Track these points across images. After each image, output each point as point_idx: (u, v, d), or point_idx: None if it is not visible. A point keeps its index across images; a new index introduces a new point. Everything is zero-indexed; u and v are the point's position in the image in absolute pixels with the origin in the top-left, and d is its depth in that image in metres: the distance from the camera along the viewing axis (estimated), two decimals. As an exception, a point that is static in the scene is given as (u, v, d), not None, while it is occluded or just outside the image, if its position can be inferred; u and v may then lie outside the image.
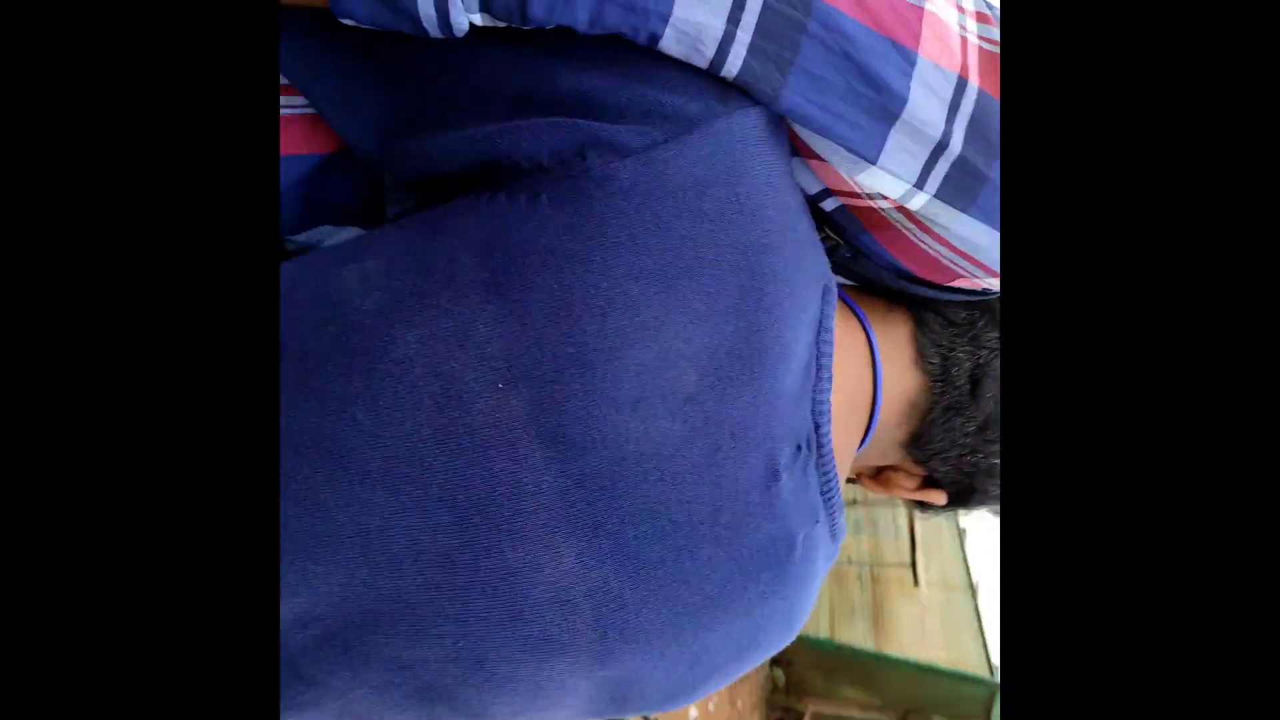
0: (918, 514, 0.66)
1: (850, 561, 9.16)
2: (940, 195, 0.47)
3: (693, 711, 5.13)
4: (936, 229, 0.49)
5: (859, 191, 0.48)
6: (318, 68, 0.46)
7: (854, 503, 9.02)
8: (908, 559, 8.47)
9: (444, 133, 0.43)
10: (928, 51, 0.44)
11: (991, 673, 7.90)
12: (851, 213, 0.51)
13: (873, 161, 0.45)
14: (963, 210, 0.47)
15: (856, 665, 7.51)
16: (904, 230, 0.50)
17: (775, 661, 7.37)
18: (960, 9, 0.48)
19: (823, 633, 8.49)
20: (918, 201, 0.47)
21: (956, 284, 0.54)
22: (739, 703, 6.55)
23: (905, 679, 7.33)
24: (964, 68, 0.46)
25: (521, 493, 0.41)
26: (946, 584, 8.86)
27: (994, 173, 0.47)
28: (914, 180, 0.46)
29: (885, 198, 0.48)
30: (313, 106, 0.49)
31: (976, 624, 8.56)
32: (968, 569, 9.00)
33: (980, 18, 0.49)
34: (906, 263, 0.53)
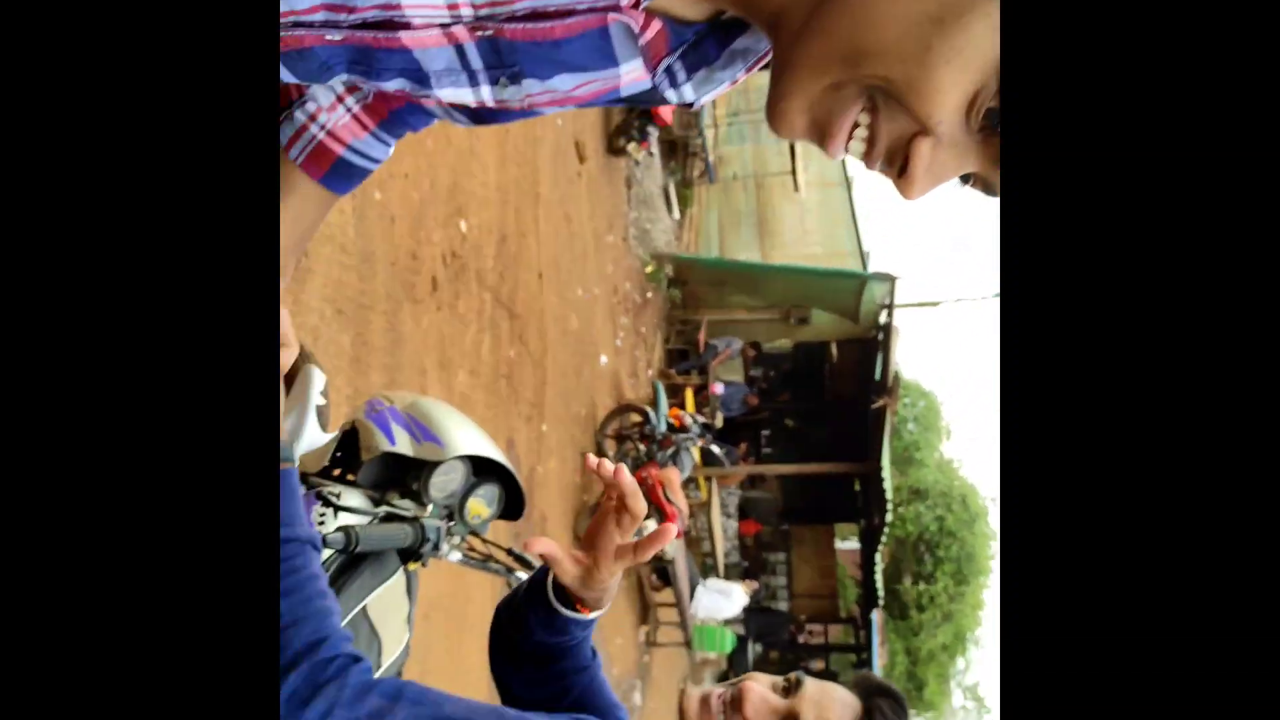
0: None
1: (736, 177, 9.56)
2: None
3: (604, 358, 5.72)
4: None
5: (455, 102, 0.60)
6: None
7: (736, 114, 9.16)
8: (788, 166, 8.85)
9: None
10: None
11: (863, 265, 8.78)
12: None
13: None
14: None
15: (742, 276, 8.17)
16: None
17: (671, 283, 8.04)
18: None
19: (713, 252, 9.14)
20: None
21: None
22: (643, 329, 7.22)
23: (786, 283, 8.07)
24: None
25: None
26: (824, 182, 9.37)
27: None
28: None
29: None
30: None
31: (850, 216, 9.24)
32: (844, 165, 9.41)
33: None
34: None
